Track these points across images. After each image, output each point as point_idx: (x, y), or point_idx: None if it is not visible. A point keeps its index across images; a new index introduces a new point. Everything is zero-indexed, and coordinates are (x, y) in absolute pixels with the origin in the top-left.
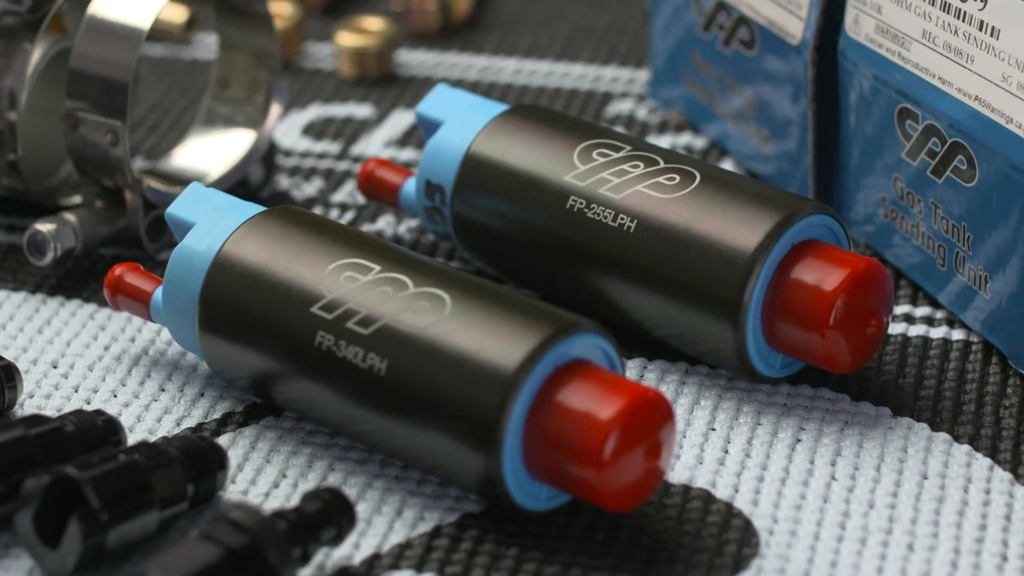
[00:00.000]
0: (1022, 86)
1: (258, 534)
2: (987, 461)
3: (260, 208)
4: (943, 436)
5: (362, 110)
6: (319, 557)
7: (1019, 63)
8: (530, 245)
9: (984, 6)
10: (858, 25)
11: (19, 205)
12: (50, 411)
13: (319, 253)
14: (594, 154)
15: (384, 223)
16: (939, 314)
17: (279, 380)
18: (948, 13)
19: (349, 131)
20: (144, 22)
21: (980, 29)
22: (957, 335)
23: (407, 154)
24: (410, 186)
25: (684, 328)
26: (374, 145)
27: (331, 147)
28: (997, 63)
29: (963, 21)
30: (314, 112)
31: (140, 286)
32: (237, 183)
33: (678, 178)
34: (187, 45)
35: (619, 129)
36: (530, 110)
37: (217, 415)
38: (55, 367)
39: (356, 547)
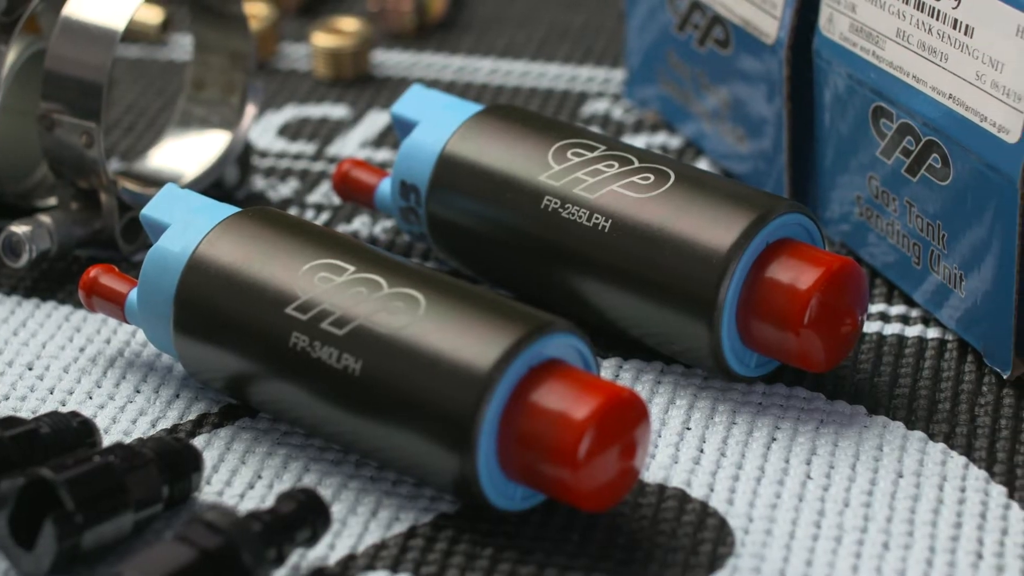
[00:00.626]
0: (996, 84)
1: (233, 535)
2: (962, 459)
3: (235, 209)
4: (918, 434)
5: (337, 111)
6: (294, 558)
7: (993, 61)
8: (505, 245)
9: (958, 4)
10: (832, 24)
11: None
12: (25, 413)
13: (294, 254)
14: (569, 154)
15: (360, 224)
16: (914, 312)
17: (254, 381)
18: (922, 12)
19: (324, 132)
20: (119, 23)
21: (954, 28)
22: (932, 333)
23: (383, 154)
24: (385, 186)
25: (659, 327)
26: (349, 146)
27: (306, 148)
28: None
29: (937, 20)
30: (289, 113)
31: (115, 287)
32: (212, 184)
33: (653, 177)
34: (162, 46)
35: (594, 129)
36: (505, 110)
37: (192, 416)
38: (30, 369)
39: (331, 548)
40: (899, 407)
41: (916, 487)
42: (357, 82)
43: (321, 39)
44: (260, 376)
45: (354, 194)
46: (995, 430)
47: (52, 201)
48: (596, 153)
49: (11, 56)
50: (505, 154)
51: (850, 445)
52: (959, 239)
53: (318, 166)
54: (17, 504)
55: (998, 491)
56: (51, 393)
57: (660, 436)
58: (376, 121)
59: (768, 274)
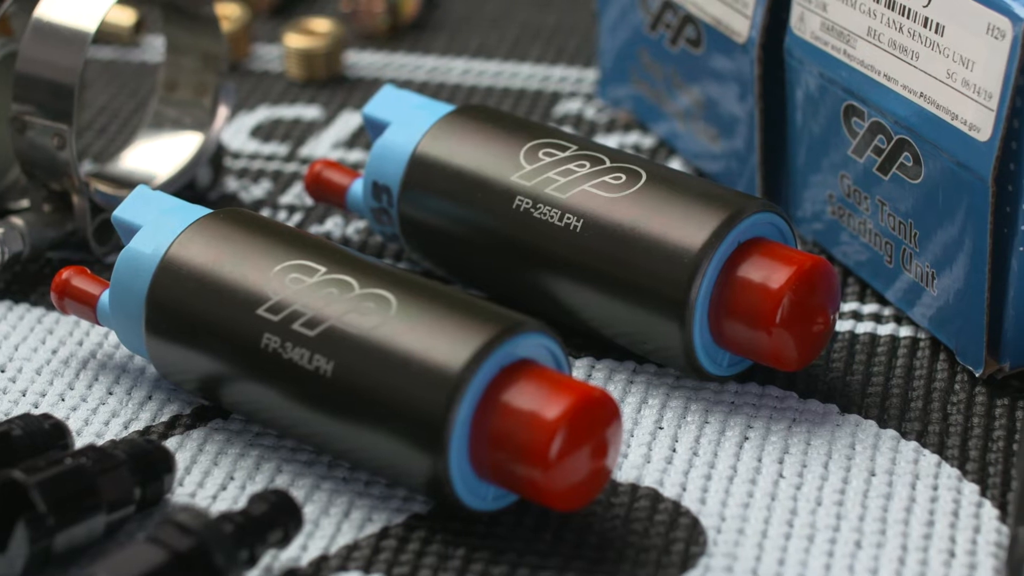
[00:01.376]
0: (967, 83)
1: (204, 536)
2: (935, 458)
3: (207, 210)
4: (890, 433)
5: (310, 112)
6: (266, 559)
7: (964, 60)
8: (477, 245)
9: (928, 3)
10: (804, 23)
11: None
12: None
13: (265, 255)
14: (540, 154)
15: (332, 224)
16: (887, 311)
17: (226, 382)
18: (893, 10)
19: (297, 133)
20: (90, 25)
21: (925, 26)
22: (905, 332)
23: (355, 155)
24: (357, 187)
25: (631, 327)
26: (322, 147)
27: (279, 149)
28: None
29: (908, 18)
30: (262, 114)
31: (87, 289)
32: (185, 186)
33: (624, 177)
34: (135, 48)
35: (567, 129)
36: (476, 110)
37: (165, 418)
38: (2, 371)
39: (304, 549)
40: (871, 405)
41: (888, 485)
42: (330, 83)
43: (293, 40)
44: (232, 377)
45: (326, 195)
46: (967, 428)
47: (24, 203)
48: (568, 153)
49: None
50: (477, 154)
51: (822, 444)
52: (931, 237)
53: (291, 167)
54: None
55: (970, 489)
56: (23, 395)
57: (632, 435)
58: (348, 122)
59: (740, 273)
